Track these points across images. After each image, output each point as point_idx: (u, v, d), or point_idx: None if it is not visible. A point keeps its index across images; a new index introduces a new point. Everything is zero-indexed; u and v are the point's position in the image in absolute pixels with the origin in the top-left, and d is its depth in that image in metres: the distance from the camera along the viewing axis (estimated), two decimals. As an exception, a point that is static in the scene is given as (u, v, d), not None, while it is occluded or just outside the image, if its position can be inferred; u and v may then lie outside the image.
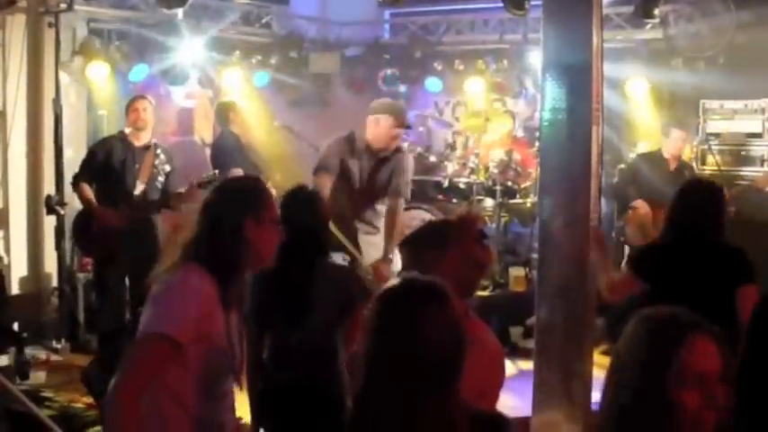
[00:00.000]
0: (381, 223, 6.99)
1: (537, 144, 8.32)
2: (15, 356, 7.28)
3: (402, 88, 11.92)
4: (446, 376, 2.32)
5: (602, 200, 6.31)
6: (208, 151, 10.25)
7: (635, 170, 8.82)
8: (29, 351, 7.66)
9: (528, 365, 5.73)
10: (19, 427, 5.27)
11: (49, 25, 8.40)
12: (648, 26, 9.68)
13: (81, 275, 8.53)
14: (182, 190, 7.57)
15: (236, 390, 3.39)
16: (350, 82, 11.89)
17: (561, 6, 5.22)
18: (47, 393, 6.77)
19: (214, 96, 11.11)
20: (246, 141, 9.60)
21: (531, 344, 6.22)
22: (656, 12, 8.70)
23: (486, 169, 9.85)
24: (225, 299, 3.15)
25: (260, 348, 4.36)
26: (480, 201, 9.89)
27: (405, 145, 8.21)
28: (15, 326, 7.88)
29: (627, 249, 9.08)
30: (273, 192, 9.25)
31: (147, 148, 7.71)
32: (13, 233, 8.56)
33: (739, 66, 9.25)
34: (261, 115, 11.04)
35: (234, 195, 3.32)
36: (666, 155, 8.71)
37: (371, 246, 6.91)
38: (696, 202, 5.02)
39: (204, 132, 11.24)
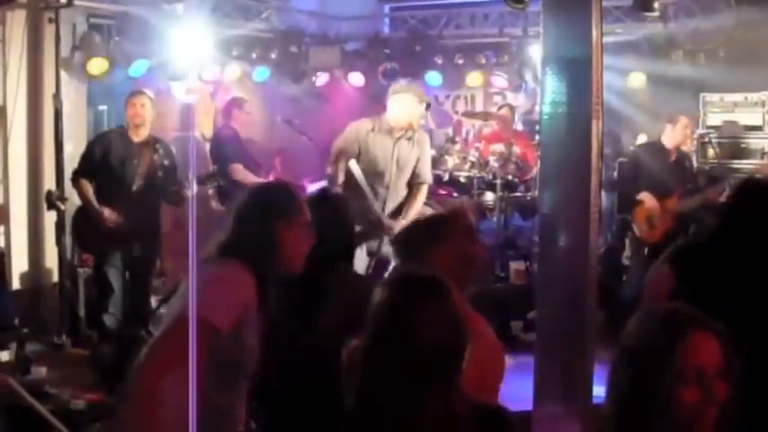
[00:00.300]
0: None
1: (537, 137, 8.33)
2: (16, 352, 7.29)
3: (402, 82, 11.91)
4: (447, 369, 2.33)
5: (603, 193, 6.31)
6: (208, 146, 10.24)
7: (636, 162, 8.80)
8: (29, 346, 7.67)
9: (529, 359, 5.74)
10: (20, 423, 5.28)
11: (49, 21, 8.39)
12: (648, 19, 9.67)
13: (81, 270, 8.51)
14: (179, 187, 7.57)
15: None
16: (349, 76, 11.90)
17: (561, 0, 5.22)
18: (47, 389, 6.78)
19: (214, 91, 11.11)
20: (247, 136, 9.59)
21: (531, 337, 6.23)
22: (656, 5, 8.67)
23: (487, 163, 9.85)
24: (260, 298, 3.27)
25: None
26: (481, 194, 9.89)
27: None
28: (16, 321, 7.88)
29: (627, 243, 9.10)
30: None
31: (146, 143, 7.66)
32: (13, 228, 8.55)
33: (739, 59, 9.26)
34: (261, 110, 11.04)
35: (265, 200, 3.43)
36: (668, 145, 8.67)
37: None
38: (747, 205, 4.58)
39: (205, 127, 11.23)
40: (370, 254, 7.21)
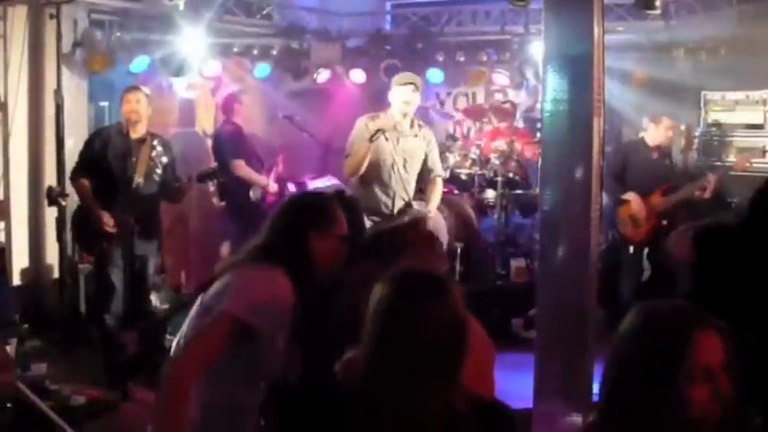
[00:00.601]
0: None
1: (538, 135, 8.33)
2: (17, 347, 7.28)
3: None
4: (447, 366, 2.33)
5: (603, 191, 6.31)
6: (209, 142, 10.24)
7: (622, 162, 8.82)
8: (30, 342, 7.67)
9: (529, 357, 5.73)
10: (21, 419, 5.28)
11: (51, 17, 8.39)
12: (650, 17, 9.66)
13: (82, 266, 8.52)
14: (179, 184, 7.56)
15: None
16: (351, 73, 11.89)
17: (562, -3, 5.22)
18: (48, 385, 6.79)
19: (215, 87, 11.11)
20: (248, 132, 9.59)
21: (532, 335, 6.23)
22: (658, 3, 8.67)
23: (488, 160, 9.84)
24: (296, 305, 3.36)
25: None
26: (481, 192, 9.90)
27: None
28: (17, 317, 7.89)
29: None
30: (275, 186, 9.27)
31: (143, 140, 7.55)
32: (14, 224, 8.56)
33: (740, 57, 9.25)
34: (262, 106, 11.04)
35: (301, 210, 3.57)
36: (651, 143, 8.74)
37: None
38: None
39: (206, 123, 11.24)
40: None
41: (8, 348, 7.17)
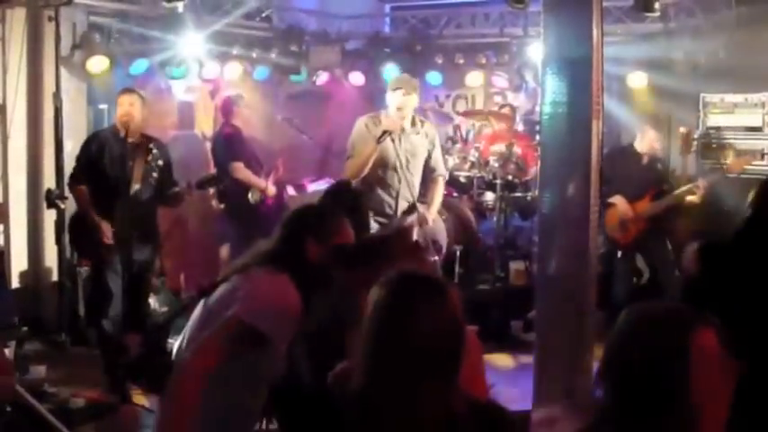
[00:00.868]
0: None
1: (538, 138, 8.34)
2: (15, 350, 7.27)
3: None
4: (445, 368, 2.33)
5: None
6: (208, 145, 10.23)
7: (611, 167, 8.83)
8: (29, 345, 7.67)
9: (528, 359, 5.74)
10: (19, 422, 5.27)
11: (49, 19, 8.38)
12: (649, 20, 9.66)
13: (81, 269, 8.51)
14: (178, 189, 7.49)
15: None
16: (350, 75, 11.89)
17: (561, 0, 5.22)
18: (47, 387, 6.79)
19: (214, 90, 11.11)
20: (248, 135, 9.57)
21: (531, 337, 6.23)
22: (657, 5, 8.67)
23: (487, 163, 9.83)
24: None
25: None
26: (481, 194, 9.89)
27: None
28: (16, 320, 7.88)
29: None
30: (273, 189, 9.26)
31: (139, 144, 7.41)
32: (13, 227, 8.55)
33: (739, 60, 9.25)
34: (261, 108, 11.04)
35: (304, 220, 3.64)
36: (640, 149, 8.78)
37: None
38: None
39: (205, 126, 11.23)
40: None
41: (7, 351, 7.17)
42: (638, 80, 10.20)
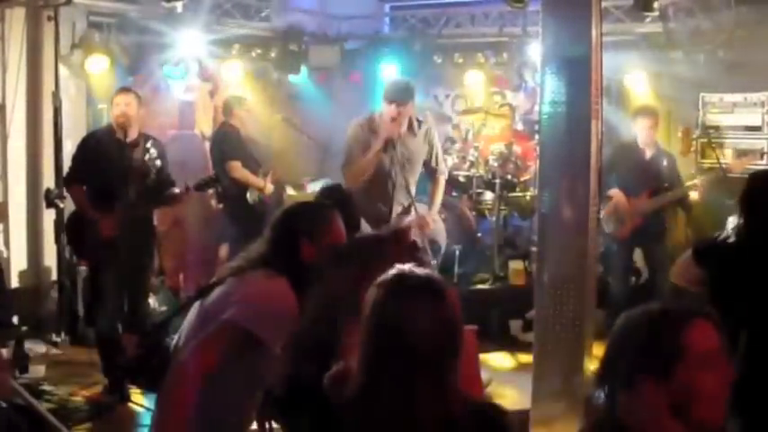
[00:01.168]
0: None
1: (537, 137, 8.34)
2: (15, 350, 7.28)
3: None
4: (443, 368, 2.33)
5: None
6: (208, 144, 10.23)
7: (613, 161, 8.84)
8: (28, 344, 7.66)
9: (528, 359, 5.74)
10: (18, 421, 5.27)
11: (49, 18, 8.39)
12: (648, 19, 9.66)
13: (81, 269, 8.50)
14: (176, 190, 7.41)
15: None
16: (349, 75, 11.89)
17: (560, 0, 5.22)
18: (46, 387, 6.80)
19: (214, 90, 11.11)
20: (247, 135, 9.57)
21: (530, 337, 6.23)
22: (656, 5, 8.67)
23: (486, 162, 9.84)
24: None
25: None
26: (480, 194, 9.89)
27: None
28: (15, 319, 7.89)
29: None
30: (271, 188, 9.25)
31: (136, 143, 7.32)
32: (12, 226, 8.56)
33: (739, 59, 9.25)
34: (260, 108, 11.04)
35: (293, 220, 3.60)
36: (641, 145, 8.76)
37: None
38: (758, 205, 4.48)
39: (204, 126, 11.23)
40: None
41: (6, 351, 7.18)
42: (637, 80, 10.20)
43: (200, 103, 11.35)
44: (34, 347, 7.85)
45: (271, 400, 4.23)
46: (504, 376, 7.40)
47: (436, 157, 7.56)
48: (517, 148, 9.93)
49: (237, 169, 8.97)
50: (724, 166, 8.74)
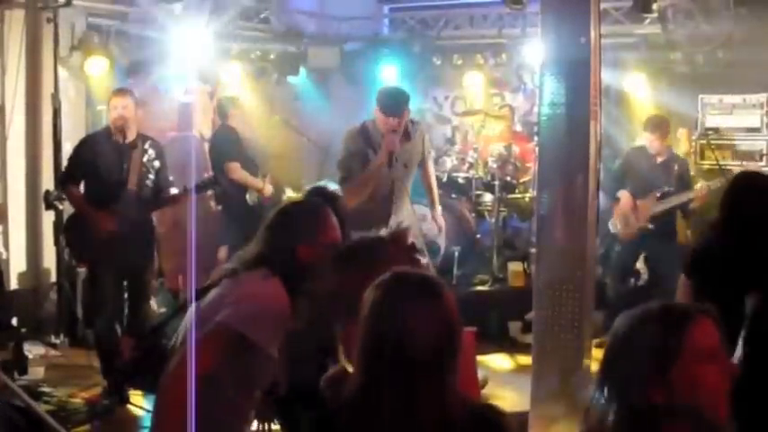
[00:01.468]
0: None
1: (536, 139, 8.34)
2: (14, 351, 7.27)
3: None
4: (441, 369, 2.33)
5: (601, 194, 6.32)
6: (207, 146, 10.23)
7: (627, 166, 8.87)
8: (27, 346, 7.66)
9: (527, 360, 5.74)
10: (17, 422, 5.27)
11: (48, 20, 8.38)
12: (647, 21, 9.67)
13: (80, 271, 8.49)
14: (175, 191, 7.37)
15: None
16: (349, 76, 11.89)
17: (559, 1, 5.22)
18: (45, 388, 6.80)
19: (213, 91, 11.11)
20: (245, 136, 9.57)
21: (529, 339, 6.23)
22: (655, 7, 8.68)
23: (485, 164, 9.84)
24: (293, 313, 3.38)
25: None
26: (479, 195, 9.90)
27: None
28: (14, 321, 7.89)
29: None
30: (270, 189, 9.24)
31: (134, 145, 7.24)
32: (11, 228, 8.56)
33: (738, 60, 9.26)
34: (260, 110, 11.04)
35: (290, 221, 3.55)
36: (651, 150, 8.77)
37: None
38: (739, 204, 4.62)
39: (203, 127, 11.24)
40: None
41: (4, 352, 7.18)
42: (636, 81, 10.21)
43: (199, 104, 11.34)
44: (33, 349, 7.84)
45: (270, 401, 4.24)
46: (503, 377, 7.41)
47: (428, 151, 7.56)
48: (516, 150, 9.93)
49: (236, 170, 8.97)
50: (724, 168, 8.72)
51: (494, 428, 2.47)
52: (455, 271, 9.30)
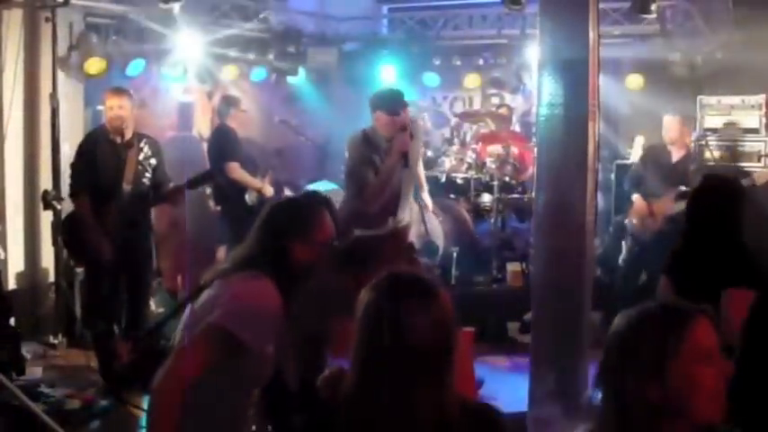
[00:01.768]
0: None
1: (534, 139, 8.34)
2: (12, 351, 7.26)
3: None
4: (437, 370, 2.33)
5: (599, 195, 6.32)
6: (206, 146, 10.23)
7: (643, 167, 8.83)
8: (25, 346, 7.65)
9: (525, 360, 5.73)
10: (15, 423, 5.27)
11: (46, 20, 8.37)
12: (646, 22, 9.67)
13: (78, 271, 8.48)
14: (171, 185, 7.37)
15: None
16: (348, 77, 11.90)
17: (557, 2, 5.22)
18: (43, 389, 6.78)
19: (212, 91, 11.11)
20: (245, 136, 9.57)
21: (528, 339, 6.24)
22: (654, 7, 8.68)
23: (484, 164, 9.84)
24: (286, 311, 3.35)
25: None
26: (478, 196, 9.89)
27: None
28: (12, 321, 7.87)
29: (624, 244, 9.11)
30: (270, 189, 9.22)
31: (130, 143, 7.24)
32: (9, 228, 8.54)
33: (737, 61, 9.26)
34: (258, 110, 11.04)
35: (283, 218, 3.50)
36: (668, 146, 8.70)
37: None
38: (704, 203, 4.73)
39: (202, 127, 11.24)
40: None
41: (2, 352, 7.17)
42: (635, 82, 10.21)
43: (198, 104, 11.36)
44: (31, 349, 7.84)
45: (265, 401, 4.23)
46: (501, 378, 7.40)
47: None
48: (515, 150, 9.93)
49: (236, 170, 8.96)
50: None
51: (491, 428, 2.47)
52: (453, 271, 9.29)
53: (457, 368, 2.41)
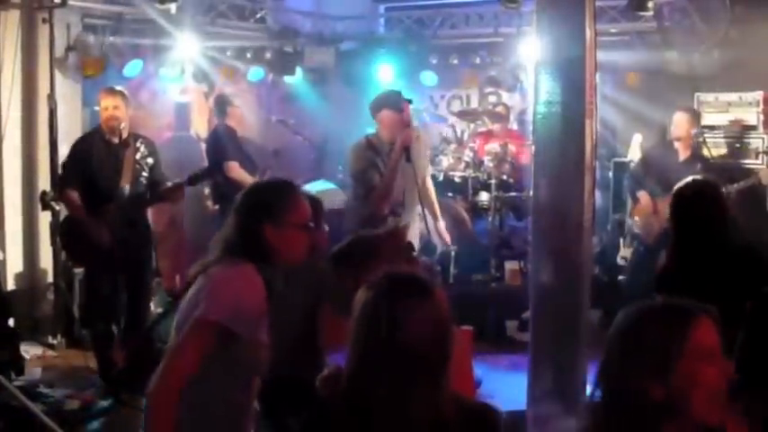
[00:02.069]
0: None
1: (531, 137, 8.34)
2: (11, 352, 7.26)
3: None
4: (434, 369, 2.34)
5: (597, 193, 6.31)
6: (204, 146, 10.23)
7: (646, 165, 8.77)
8: (24, 347, 7.66)
9: (524, 359, 5.73)
10: (14, 423, 5.28)
11: (43, 21, 8.38)
12: (643, 19, 9.67)
13: (77, 271, 8.48)
14: (170, 184, 7.29)
15: None
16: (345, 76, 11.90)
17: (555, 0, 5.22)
18: (42, 389, 6.79)
19: (209, 91, 11.11)
20: (242, 135, 9.57)
21: (526, 337, 6.23)
22: (651, 5, 8.67)
23: (482, 163, 9.83)
24: (268, 296, 3.32)
25: None
26: (475, 195, 9.89)
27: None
28: (11, 321, 7.87)
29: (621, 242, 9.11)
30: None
31: (126, 143, 7.22)
32: (8, 229, 8.55)
33: (734, 58, 9.26)
34: (255, 110, 11.04)
35: (254, 200, 3.52)
36: (676, 144, 8.62)
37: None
38: (686, 209, 4.83)
39: (200, 127, 11.24)
40: None
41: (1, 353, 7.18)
42: (632, 79, 10.21)
43: (195, 104, 11.36)
44: (30, 350, 7.85)
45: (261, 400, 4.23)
46: (499, 376, 7.40)
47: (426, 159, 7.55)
48: (512, 149, 9.92)
49: (234, 169, 8.95)
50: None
51: (489, 427, 2.47)
52: (452, 270, 9.29)
53: (455, 367, 2.41)
